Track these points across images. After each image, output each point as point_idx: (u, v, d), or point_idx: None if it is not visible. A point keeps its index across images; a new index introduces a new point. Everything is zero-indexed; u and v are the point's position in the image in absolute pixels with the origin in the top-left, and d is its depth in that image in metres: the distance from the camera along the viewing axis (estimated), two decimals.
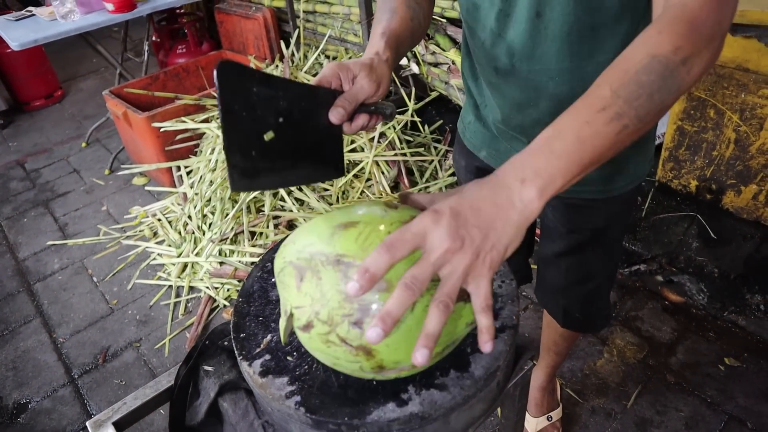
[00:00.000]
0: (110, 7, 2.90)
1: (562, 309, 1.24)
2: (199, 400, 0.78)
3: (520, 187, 0.54)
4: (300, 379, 0.67)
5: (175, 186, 2.87)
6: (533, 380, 1.58)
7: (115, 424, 0.75)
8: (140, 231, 2.68)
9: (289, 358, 0.70)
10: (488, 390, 0.69)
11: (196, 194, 2.61)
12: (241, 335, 0.74)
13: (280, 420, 0.68)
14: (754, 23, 1.58)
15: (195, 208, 2.56)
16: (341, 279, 0.57)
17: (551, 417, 1.61)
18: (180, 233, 2.56)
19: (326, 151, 0.75)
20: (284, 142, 0.68)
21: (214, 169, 2.61)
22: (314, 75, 3.02)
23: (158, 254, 2.52)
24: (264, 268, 0.85)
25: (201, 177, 2.67)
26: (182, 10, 3.81)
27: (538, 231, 1.33)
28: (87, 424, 0.76)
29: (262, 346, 0.72)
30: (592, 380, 1.78)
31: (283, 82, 0.67)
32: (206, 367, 0.79)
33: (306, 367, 0.68)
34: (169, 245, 2.53)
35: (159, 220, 2.71)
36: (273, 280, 0.83)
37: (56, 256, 2.59)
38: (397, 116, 2.71)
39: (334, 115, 0.70)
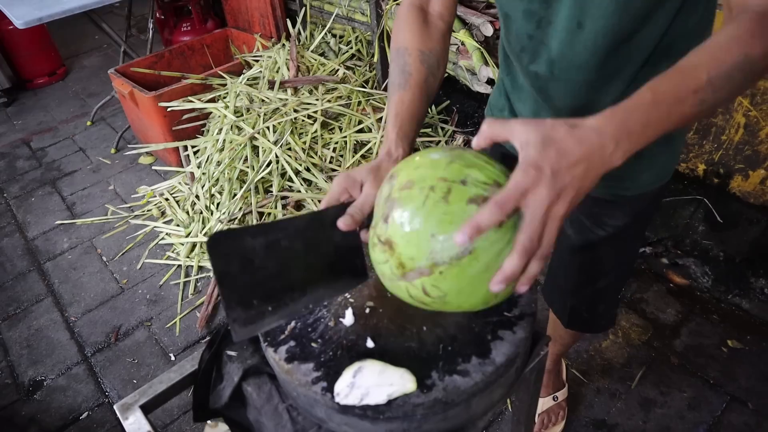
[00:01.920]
0: None
1: (570, 309, 1.23)
2: (222, 384, 0.80)
3: (614, 148, 0.57)
4: (325, 365, 0.69)
5: (182, 165, 2.87)
6: None
7: (142, 407, 0.77)
8: (148, 210, 2.70)
9: (313, 344, 0.72)
10: (508, 376, 0.71)
11: (204, 174, 2.61)
12: None
13: (306, 405, 0.70)
14: None
15: (203, 188, 2.57)
16: (386, 187, 0.65)
17: (557, 397, 1.64)
18: (188, 213, 2.57)
19: (343, 265, 0.73)
20: (289, 278, 0.68)
21: (222, 149, 2.61)
22: (321, 54, 3.00)
23: (167, 234, 2.54)
24: None
25: (208, 157, 2.67)
26: None
27: None
28: (115, 407, 0.78)
29: (286, 332, 0.74)
30: (597, 361, 1.81)
31: (282, 223, 0.68)
32: (229, 352, 0.81)
33: (330, 353, 0.70)
34: (178, 225, 2.54)
35: (167, 199, 2.72)
36: None
37: (65, 236, 2.61)
38: None
39: (342, 223, 0.69)
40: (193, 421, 0.88)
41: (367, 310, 0.76)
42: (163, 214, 2.68)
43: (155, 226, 2.56)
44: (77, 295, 2.27)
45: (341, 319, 0.75)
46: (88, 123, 3.58)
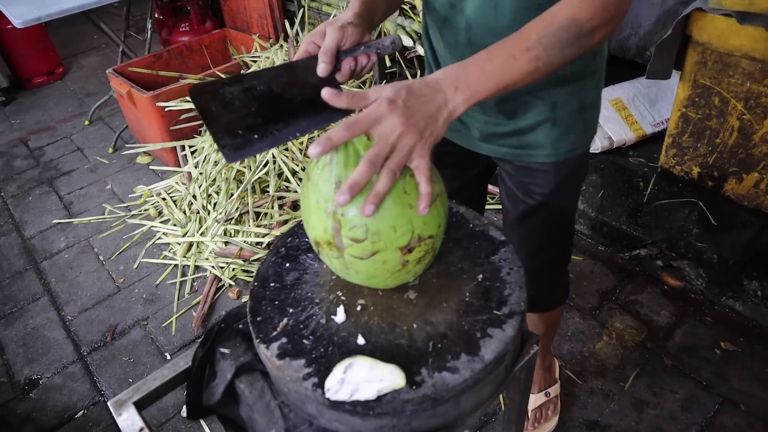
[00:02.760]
0: None
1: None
2: (215, 382, 0.81)
3: (454, 93, 0.70)
4: (316, 361, 0.70)
5: (179, 165, 2.88)
6: None
7: (135, 403, 0.78)
8: (145, 210, 2.70)
9: (305, 341, 0.73)
10: (497, 373, 0.72)
11: (201, 174, 2.62)
12: (258, 319, 0.76)
13: (297, 401, 0.71)
14: (763, 12, 1.58)
15: (200, 187, 2.57)
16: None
17: (549, 393, 1.66)
18: (185, 213, 2.58)
19: (323, 102, 0.77)
20: (271, 112, 0.77)
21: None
22: None
23: (163, 233, 2.54)
24: (278, 253, 0.88)
25: (206, 157, 2.68)
26: None
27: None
28: (109, 403, 0.78)
29: (278, 329, 0.74)
30: (591, 362, 1.82)
31: (255, 73, 0.78)
32: (222, 350, 0.81)
33: (322, 350, 0.71)
34: (174, 225, 2.55)
35: (164, 199, 2.73)
36: (287, 264, 0.85)
37: (62, 235, 2.62)
38: None
39: (319, 70, 0.80)
40: (186, 418, 0.89)
41: (359, 308, 0.77)
42: (160, 213, 2.68)
43: (152, 226, 2.57)
44: (74, 294, 2.27)
45: (333, 317, 0.76)
46: (86, 122, 3.58)
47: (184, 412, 1.75)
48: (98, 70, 4.24)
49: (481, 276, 0.80)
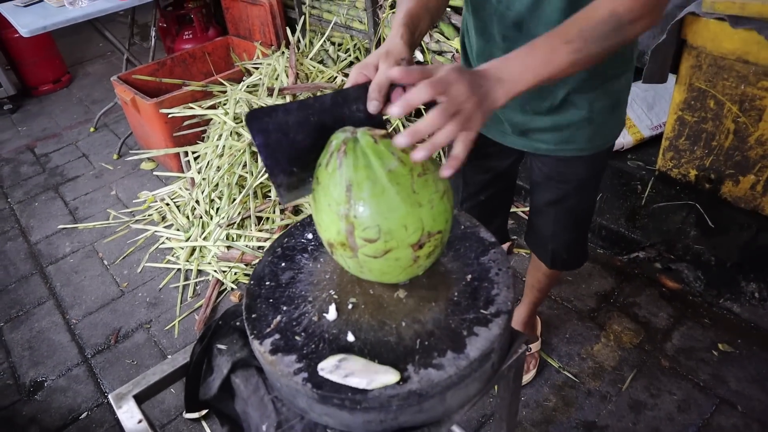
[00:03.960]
0: None
1: (551, 252, 1.44)
2: (212, 377, 0.83)
3: (496, 84, 0.73)
4: (307, 357, 0.72)
5: (182, 171, 2.92)
6: (516, 316, 1.77)
7: (135, 397, 0.80)
8: (149, 215, 2.74)
9: (297, 338, 0.75)
10: (483, 371, 0.74)
11: (204, 179, 2.65)
12: (253, 316, 0.79)
13: (288, 395, 0.73)
14: (754, 16, 1.60)
15: (203, 193, 2.61)
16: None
17: (530, 348, 1.74)
18: (188, 218, 2.61)
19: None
20: (323, 148, 0.75)
21: (222, 155, 2.65)
22: (319, 62, 3.05)
23: (167, 238, 2.58)
24: (274, 253, 0.90)
25: (208, 162, 2.72)
26: None
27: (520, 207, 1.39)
28: (109, 396, 0.81)
29: (272, 326, 0.77)
30: (589, 364, 1.84)
31: (310, 101, 0.75)
32: (219, 346, 0.84)
33: (313, 346, 0.73)
34: (178, 229, 2.58)
35: (167, 204, 2.76)
36: (283, 264, 0.88)
37: (67, 240, 2.65)
38: None
39: (371, 107, 0.78)
40: (184, 412, 0.91)
41: (350, 306, 0.79)
42: (163, 218, 2.72)
43: (156, 231, 2.60)
44: (78, 298, 2.31)
45: (325, 314, 0.78)
46: (92, 129, 3.63)
47: (186, 414, 1.78)
48: (103, 78, 4.30)
49: (470, 276, 0.83)
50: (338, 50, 3.09)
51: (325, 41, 3.07)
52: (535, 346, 1.83)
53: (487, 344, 0.72)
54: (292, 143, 0.74)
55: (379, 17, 2.62)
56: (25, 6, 3.06)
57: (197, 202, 2.65)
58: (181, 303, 2.23)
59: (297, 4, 3.13)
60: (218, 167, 2.64)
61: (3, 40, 3.91)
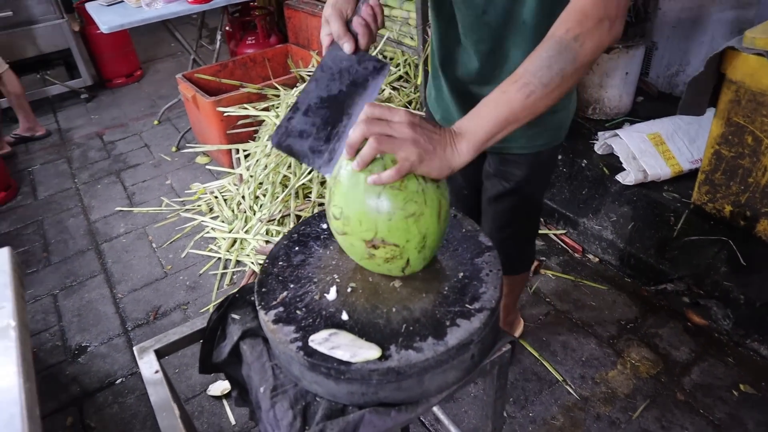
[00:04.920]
0: None
1: None
2: (224, 342, 0.93)
3: (458, 140, 0.77)
4: (304, 329, 0.81)
5: (233, 167, 3.09)
6: None
7: (156, 351, 0.91)
8: (198, 206, 2.91)
9: (298, 312, 0.84)
10: (461, 360, 0.80)
11: (251, 176, 2.81)
12: (263, 290, 0.88)
13: (285, 362, 0.82)
14: None
15: (249, 189, 2.76)
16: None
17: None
18: (233, 211, 2.77)
19: (362, 74, 0.92)
20: (333, 115, 0.90)
21: (269, 155, 2.80)
22: None
23: (212, 228, 2.74)
24: (291, 238, 1.00)
25: (257, 161, 2.87)
26: (255, 4, 4.05)
27: None
28: (134, 348, 0.92)
29: (278, 300, 0.86)
30: (601, 388, 1.84)
31: (303, 93, 0.91)
32: (234, 315, 0.94)
33: (310, 320, 0.82)
34: (222, 221, 2.74)
35: (216, 197, 2.93)
36: (296, 248, 0.98)
37: (122, 221, 2.87)
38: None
39: (345, 48, 0.90)
40: (198, 373, 1.02)
41: (349, 290, 0.88)
42: (211, 210, 2.89)
43: (202, 221, 2.77)
44: (126, 275, 2.49)
45: (326, 295, 0.87)
46: (155, 122, 3.89)
47: (209, 390, 1.90)
48: (171, 75, 4.58)
49: (462, 274, 0.90)
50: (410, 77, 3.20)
51: (376, 55, 3.19)
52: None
53: (466, 335, 0.79)
54: (308, 134, 0.88)
55: (428, 35, 2.72)
56: (108, 5, 3.34)
57: (243, 197, 2.80)
58: (217, 289, 2.37)
59: None
60: (265, 166, 2.79)
61: (86, 36, 4.26)
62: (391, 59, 3.22)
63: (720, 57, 1.83)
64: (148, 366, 0.89)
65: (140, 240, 2.72)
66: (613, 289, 2.20)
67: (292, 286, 0.89)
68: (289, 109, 0.92)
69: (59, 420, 1.86)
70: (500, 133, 0.78)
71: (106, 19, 3.03)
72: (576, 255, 2.39)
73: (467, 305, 0.83)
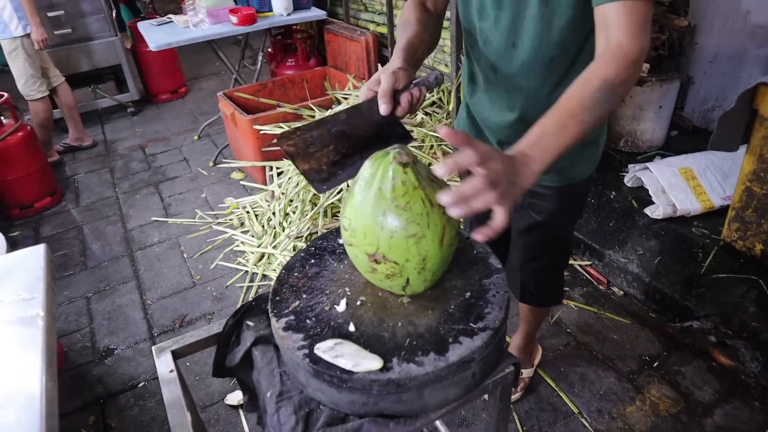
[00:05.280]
0: (234, 20, 3.30)
1: (520, 284, 1.55)
2: (238, 348, 0.97)
3: (523, 167, 0.80)
4: (312, 337, 0.84)
5: (266, 183, 3.18)
6: (513, 341, 1.88)
7: (173, 352, 0.96)
8: (230, 220, 3.00)
9: (308, 321, 0.87)
10: (462, 377, 0.82)
11: (283, 193, 2.89)
12: (276, 298, 0.92)
13: (292, 369, 0.85)
14: None
15: (279, 205, 2.83)
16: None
17: (522, 373, 1.84)
18: (263, 226, 2.85)
19: (387, 133, 1.00)
20: (346, 148, 0.95)
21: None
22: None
23: (241, 242, 2.82)
24: (308, 251, 1.04)
25: (289, 178, 2.95)
26: (297, 27, 4.20)
27: None
28: (153, 348, 0.97)
29: (290, 308, 0.90)
30: (618, 423, 1.80)
31: (329, 118, 0.96)
32: (248, 322, 0.98)
33: (319, 329, 0.86)
34: (252, 236, 2.82)
35: (248, 212, 3.02)
36: (312, 260, 1.02)
37: (157, 231, 2.97)
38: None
39: (382, 109, 0.96)
40: (212, 376, 1.06)
41: (358, 303, 0.91)
42: (242, 224, 2.97)
43: (233, 234, 2.85)
44: (156, 283, 2.58)
45: (336, 306, 0.90)
46: (195, 137, 4.04)
47: (227, 399, 1.94)
48: (214, 93, 4.75)
49: (468, 293, 0.92)
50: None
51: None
52: (526, 373, 1.92)
53: (468, 352, 0.80)
54: (316, 150, 0.94)
55: (462, 61, 2.77)
56: (158, 25, 3.53)
57: (273, 213, 2.88)
58: (242, 301, 2.43)
59: (390, 43, 3.36)
60: (297, 183, 2.86)
61: (137, 53, 4.48)
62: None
63: (753, 93, 1.81)
64: (165, 365, 0.93)
65: (172, 250, 2.82)
66: (636, 324, 2.16)
67: (304, 296, 0.93)
68: (313, 121, 0.95)
69: (82, 418, 1.93)
70: (560, 157, 0.84)
71: (155, 38, 3.19)
72: (600, 287, 2.36)
73: (471, 324, 0.85)
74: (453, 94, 2.93)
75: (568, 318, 2.21)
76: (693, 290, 2.09)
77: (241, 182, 3.40)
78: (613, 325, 2.17)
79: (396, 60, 1.02)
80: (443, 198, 0.74)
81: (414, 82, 1.02)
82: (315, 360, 0.80)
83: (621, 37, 0.88)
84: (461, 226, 0.91)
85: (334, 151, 0.95)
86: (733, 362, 1.97)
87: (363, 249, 0.83)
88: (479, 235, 0.75)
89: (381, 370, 0.78)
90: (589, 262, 2.45)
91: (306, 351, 0.82)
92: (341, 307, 0.90)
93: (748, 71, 2.72)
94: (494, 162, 0.75)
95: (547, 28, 1.05)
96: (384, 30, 3.49)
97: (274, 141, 0.93)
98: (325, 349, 0.80)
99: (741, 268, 2.04)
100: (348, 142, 0.96)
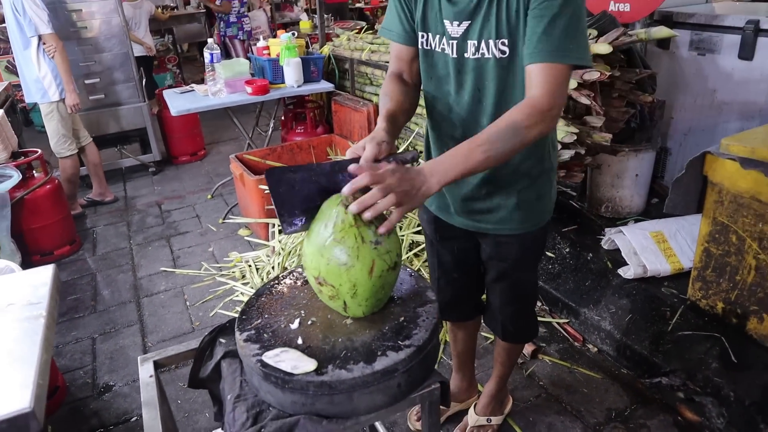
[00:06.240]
0: (249, 90, 3.64)
1: (501, 325, 1.70)
2: (210, 361, 1.14)
3: (430, 177, 1.03)
4: (266, 348, 1.01)
5: (268, 240, 3.39)
6: (487, 387, 1.98)
7: (155, 362, 1.12)
8: (232, 272, 3.19)
9: (265, 335, 1.04)
10: (387, 385, 0.97)
11: (283, 249, 3.09)
12: (243, 317, 1.10)
13: (249, 374, 1.01)
14: (762, 160, 1.75)
15: (279, 259, 3.03)
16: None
17: (491, 420, 1.96)
18: (262, 279, 3.03)
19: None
20: (318, 200, 1.07)
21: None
22: None
23: (241, 293, 2.99)
24: (278, 279, 1.22)
25: (289, 235, 3.16)
26: (309, 97, 4.55)
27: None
28: (138, 358, 1.14)
29: (252, 324, 1.07)
30: None
31: (313, 166, 1.08)
32: (221, 339, 1.15)
33: (273, 342, 1.02)
34: (252, 287, 2.99)
35: (250, 266, 3.21)
36: (279, 287, 1.19)
37: (164, 280, 3.17)
38: None
39: (353, 169, 1.10)
40: (186, 386, 1.21)
41: (309, 322, 1.07)
42: (243, 276, 3.16)
43: (234, 285, 3.03)
44: (158, 327, 2.75)
45: (290, 324, 1.07)
46: (209, 196, 4.31)
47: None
48: (229, 157, 5.10)
49: (402, 318, 1.08)
50: (421, 157, 3.51)
51: (408, 146, 3.52)
52: (495, 420, 1.99)
53: (392, 363, 0.96)
54: (297, 194, 1.06)
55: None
56: (181, 93, 3.89)
57: (273, 267, 3.07)
58: None
59: None
60: (294, 239, 3.07)
61: (162, 117, 4.87)
62: (421, 152, 3.54)
63: (702, 161, 2.00)
64: (146, 371, 1.10)
65: (176, 297, 3.00)
66: (607, 379, 2.25)
67: (266, 316, 1.10)
68: (302, 165, 1.09)
69: None
70: (462, 177, 1.05)
71: (177, 104, 3.53)
72: (576, 344, 2.47)
73: (399, 341, 1.01)
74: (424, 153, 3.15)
75: (541, 372, 2.31)
76: (661, 347, 2.19)
77: (246, 238, 3.61)
78: (585, 379, 2.26)
79: (380, 131, 1.15)
80: (352, 207, 0.97)
81: (393, 156, 1.11)
82: (264, 364, 0.96)
83: (536, 91, 1.10)
84: (396, 262, 1.07)
85: (311, 199, 1.06)
86: (699, 418, 2.04)
87: (311, 272, 1.02)
88: (382, 228, 1.00)
89: (316, 372, 0.94)
90: (567, 320, 2.57)
91: (258, 357, 0.98)
92: (294, 325, 1.07)
93: (719, 143, 2.92)
94: (387, 178, 0.98)
95: (505, 89, 1.24)
96: None
97: (264, 175, 1.07)
98: (271, 356, 0.96)
99: (705, 325, 2.15)
100: (325, 193, 1.07)
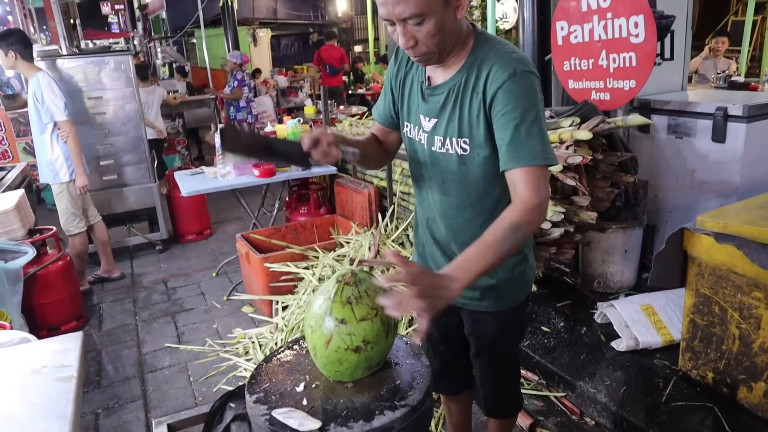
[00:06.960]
0: (256, 172, 3.86)
1: (483, 399, 1.75)
2: (221, 424, 1.22)
3: (451, 283, 1.08)
4: (274, 408, 1.10)
5: (272, 316, 3.47)
6: None
7: (168, 425, 1.21)
8: (236, 348, 3.25)
9: (273, 397, 1.14)
10: None
11: (285, 325, 3.17)
12: (252, 381, 1.19)
13: None
14: (734, 234, 1.89)
15: (281, 335, 3.10)
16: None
17: None
18: (265, 355, 3.09)
19: (294, 160, 1.34)
20: (263, 153, 1.36)
21: (303, 307, 3.18)
22: (400, 244, 3.64)
23: (244, 369, 3.04)
24: (287, 346, 1.33)
25: (292, 312, 3.25)
26: (313, 179, 4.78)
27: None
28: (153, 421, 1.22)
29: (261, 387, 1.16)
30: None
31: (265, 136, 1.37)
32: (231, 404, 1.24)
33: (280, 403, 1.11)
34: (254, 363, 3.05)
35: (253, 342, 3.27)
36: (287, 353, 1.30)
37: (168, 356, 3.22)
38: None
39: (303, 144, 1.29)
40: None
41: (314, 386, 1.17)
42: (246, 353, 3.21)
43: (237, 361, 3.09)
44: (162, 402, 2.78)
45: (296, 388, 1.16)
46: (214, 274, 4.43)
47: None
48: (235, 236, 5.27)
49: (398, 381, 1.18)
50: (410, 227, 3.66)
51: (407, 227, 3.69)
52: None
53: (389, 421, 1.05)
54: (242, 146, 1.34)
55: None
56: (191, 175, 4.11)
57: (276, 343, 3.13)
58: None
59: (389, 195, 3.85)
60: (297, 314, 3.15)
61: (170, 197, 5.08)
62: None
63: (681, 236, 2.14)
64: None
65: (180, 373, 3.04)
66: None
67: (274, 380, 1.20)
68: (255, 133, 1.38)
69: None
70: (479, 278, 1.13)
71: (187, 185, 3.74)
72: (573, 417, 2.49)
73: (395, 402, 1.11)
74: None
75: None
76: (656, 418, 2.22)
77: (250, 315, 3.69)
78: None
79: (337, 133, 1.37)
80: (383, 301, 1.03)
81: (343, 147, 1.32)
82: (272, 422, 1.05)
83: (523, 192, 1.23)
84: (358, 347, 1.13)
85: (256, 151, 1.35)
86: None
87: (311, 338, 1.14)
88: (416, 338, 1.05)
89: (320, 430, 1.03)
90: (563, 393, 2.61)
91: (267, 416, 1.07)
92: (300, 388, 1.16)
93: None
94: (423, 279, 1.03)
95: (465, 180, 1.38)
96: (384, 184, 4.01)
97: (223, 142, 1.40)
98: (279, 413, 1.05)
99: (697, 396, 2.20)
100: (267, 152, 1.36)
